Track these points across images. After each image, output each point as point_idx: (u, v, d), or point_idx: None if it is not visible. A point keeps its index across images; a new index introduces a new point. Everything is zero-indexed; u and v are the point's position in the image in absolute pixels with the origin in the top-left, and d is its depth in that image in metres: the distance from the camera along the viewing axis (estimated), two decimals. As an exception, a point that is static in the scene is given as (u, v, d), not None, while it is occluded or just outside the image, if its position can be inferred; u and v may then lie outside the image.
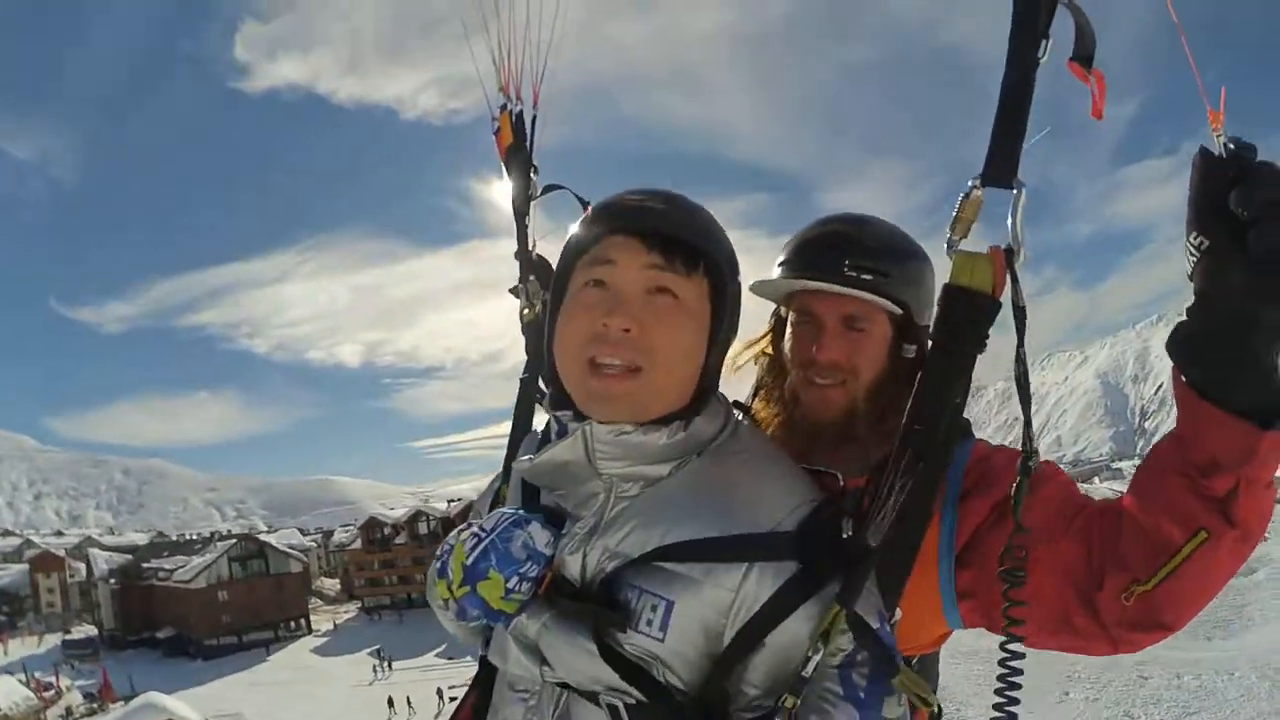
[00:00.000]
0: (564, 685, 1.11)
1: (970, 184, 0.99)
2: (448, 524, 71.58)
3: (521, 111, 1.59)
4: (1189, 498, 1.04)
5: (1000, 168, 0.97)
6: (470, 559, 1.10)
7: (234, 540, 76.07)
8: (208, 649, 64.35)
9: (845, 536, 1.06)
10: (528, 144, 1.59)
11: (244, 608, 68.39)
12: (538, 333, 1.52)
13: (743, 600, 1.03)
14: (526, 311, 1.57)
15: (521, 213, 1.57)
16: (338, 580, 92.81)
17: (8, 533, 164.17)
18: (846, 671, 1.00)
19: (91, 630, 79.66)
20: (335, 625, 73.30)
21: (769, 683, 1.03)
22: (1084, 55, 0.97)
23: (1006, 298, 1.04)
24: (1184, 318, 0.97)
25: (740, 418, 1.25)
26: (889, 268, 1.38)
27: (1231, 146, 0.89)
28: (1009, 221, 0.99)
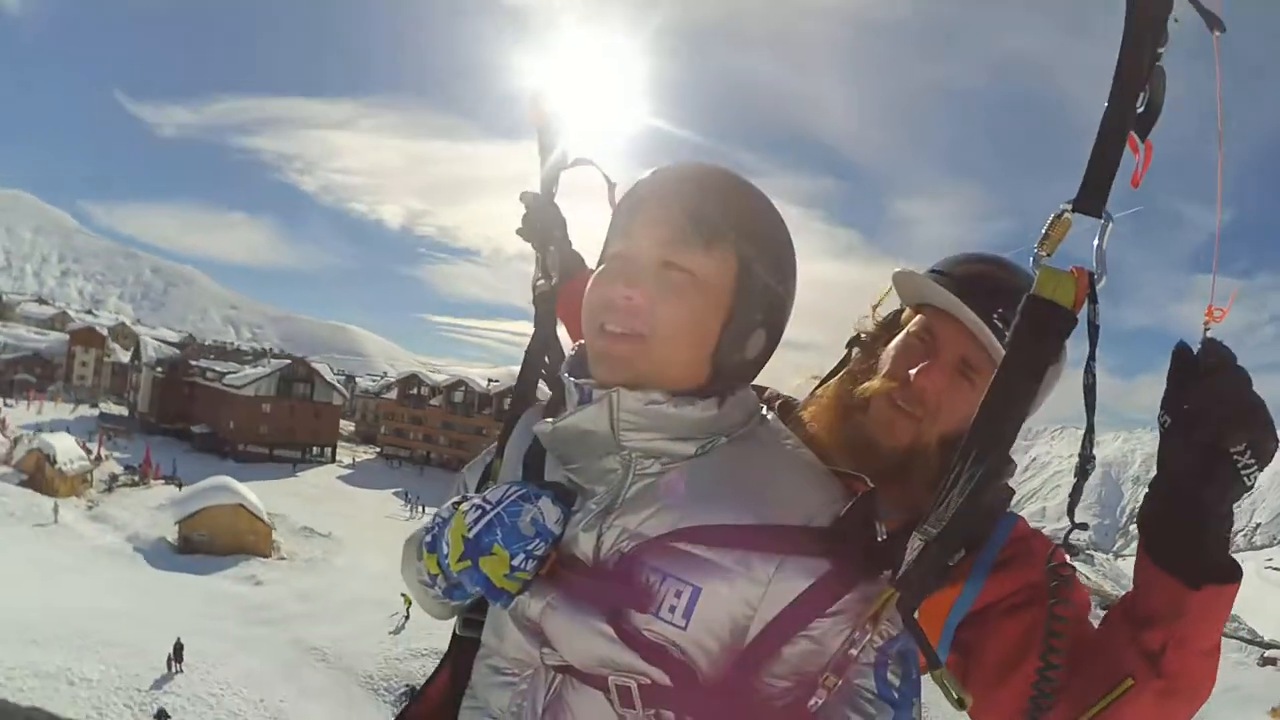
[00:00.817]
0: (561, 669, 1.07)
1: (1062, 207, 1.03)
2: (484, 399, 74.86)
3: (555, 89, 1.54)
4: (1127, 646, 1.14)
5: (1091, 197, 1.00)
6: (473, 532, 1.04)
7: (288, 361, 78.00)
8: (240, 453, 66.62)
9: (881, 539, 1.06)
10: (561, 120, 1.52)
11: (281, 425, 70.60)
12: (550, 304, 1.48)
13: (772, 594, 1.00)
14: (541, 282, 1.50)
15: (549, 183, 1.51)
16: (353, 423, 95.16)
17: (42, 301, 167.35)
18: (881, 669, 0.99)
19: (121, 410, 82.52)
20: (354, 461, 75.74)
21: (794, 676, 1.01)
22: (1144, 125, 1.02)
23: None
24: (1149, 486, 1.11)
25: (767, 413, 1.22)
26: None
27: (1202, 346, 1.05)
28: (1094, 246, 1.03)
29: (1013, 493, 1.37)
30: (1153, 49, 0.99)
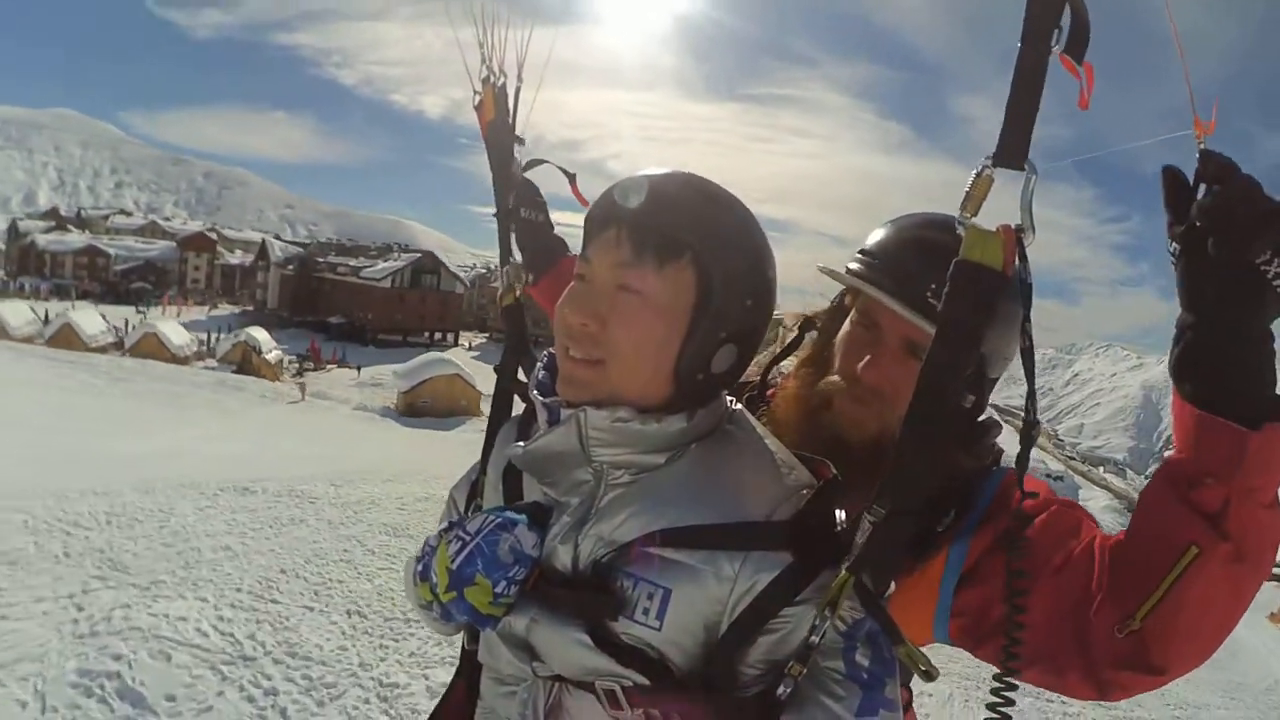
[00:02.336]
0: (553, 678, 1.09)
1: (982, 163, 0.96)
2: None
3: (504, 84, 1.48)
4: (1180, 512, 1.01)
5: (1012, 150, 0.93)
6: (455, 563, 1.06)
7: (419, 254, 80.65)
8: (379, 340, 70.32)
9: (840, 528, 1.04)
10: (511, 118, 1.47)
11: (414, 313, 73.95)
12: (519, 317, 1.48)
13: (740, 589, 1.01)
14: (506, 295, 1.48)
15: (503, 191, 1.47)
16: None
17: (124, 213, 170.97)
18: (850, 651, 0.99)
19: (247, 309, 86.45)
20: (470, 345, 79.23)
21: (766, 664, 1.02)
22: (1076, 49, 0.94)
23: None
24: (1175, 331, 1.00)
25: (737, 407, 1.20)
26: None
27: (1202, 161, 0.95)
28: (1020, 202, 0.96)
29: (1001, 451, 1.37)
30: None
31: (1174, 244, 0.98)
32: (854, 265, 1.38)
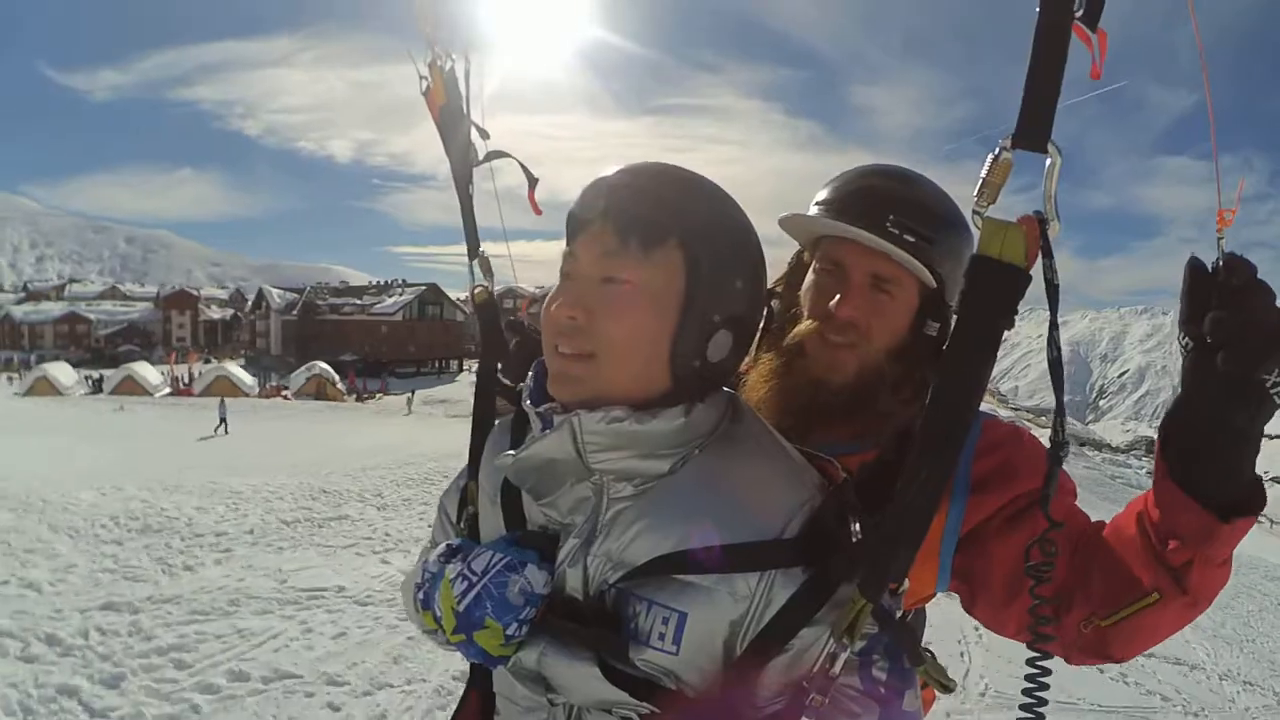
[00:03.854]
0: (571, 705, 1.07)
1: (999, 145, 0.88)
2: None
3: (454, 67, 1.32)
4: (1150, 560, 1.08)
5: (1034, 130, 0.85)
6: (462, 606, 1.01)
7: (423, 287, 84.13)
8: (397, 371, 74.02)
9: (855, 540, 0.98)
10: (464, 102, 1.33)
11: (423, 342, 77.82)
12: (493, 314, 1.39)
13: (755, 610, 0.98)
14: (479, 291, 1.38)
15: (464, 182, 1.34)
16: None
17: (74, 280, 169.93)
18: (866, 666, 0.98)
19: (246, 354, 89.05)
20: (472, 369, 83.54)
21: (783, 684, 0.99)
22: (1090, 16, 0.87)
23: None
24: (1171, 405, 1.00)
25: (738, 401, 1.16)
26: (933, 234, 1.29)
27: (1220, 263, 0.91)
28: (1043, 190, 0.89)
29: None
30: None
31: (1187, 339, 0.93)
32: (811, 211, 1.39)
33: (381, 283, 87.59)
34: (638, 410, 1.01)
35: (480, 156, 1.34)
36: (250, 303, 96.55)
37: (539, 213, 1.34)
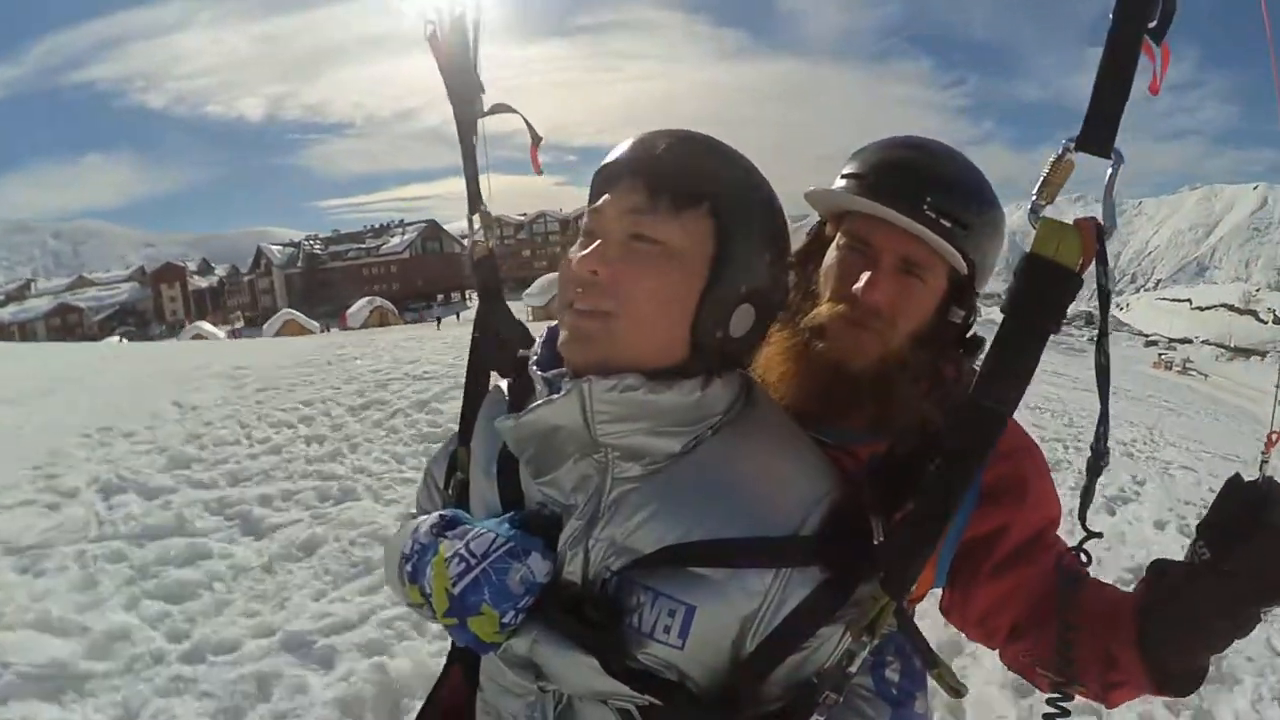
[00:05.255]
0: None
1: (1064, 145, 0.87)
2: (564, 224, 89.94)
3: (463, 14, 1.28)
4: (1089, 663, 1.09)
5: (1099, 134, 0.85)
6: (458, 589, 0.95)
7: (424, 224, 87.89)
8: (410, 306, 78.29)
9: (877, 541, 0.95)
10: (472, 51, 1.29)
11: (429, 277, 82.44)
12: (492, 269, 1.34)
13: (769, 608, 0.95)
14: (479, 244, 1.33)
15: (468, 133, 1.30)
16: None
17: (35, 277, 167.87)
18: (879, 667, 0.97)
19: (249, 315, 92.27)
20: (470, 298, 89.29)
21: (792, 682, 0.97)
22: (1159, 29, 0.86)
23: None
24: (1159, 579, 1.01)
25: (752, 383, 1.11)
26: (971, 219, 1.22)
27: (1261, 486, 0.91)
28: (1104, 195, 0.89)
29: None
30: None
31: (1205, 550, 0.93)
32: (840, 184, 1.29)
33: (378, 226, 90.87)
34: (652, 379, 0.95)
35: (485, 109, 1.30)
36: (250, 263, 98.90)
37: (539, 171, 1.31)
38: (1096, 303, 0.94)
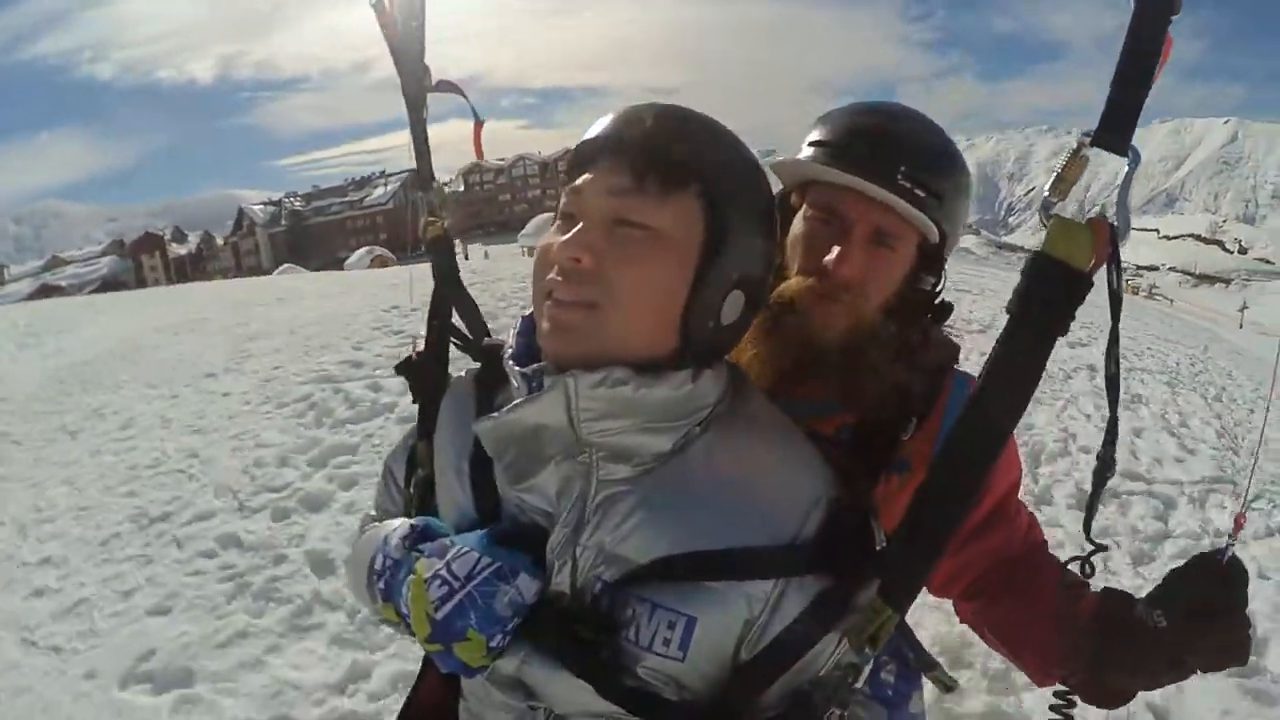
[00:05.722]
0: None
1: (1081, 139, 0.83)
2: (544, 166, 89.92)
3: None
4: (1042, 679, 1.20)
5: (1116, 131, 0.81)
6: (441, 614, 0.89)
7: (405, 173, 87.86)
8: (407, 256, 79.01)
9: (881, 548, 0.93)
10: (419, 24, 1.20)
11: (415, 226, 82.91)
12: (448, 248, 1.25)
13: (768, 618, 0.91)
14: (432, 224, 1.25)
15: (418, 106, 1.23)
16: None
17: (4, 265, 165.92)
18: (875, 671, 0.95)
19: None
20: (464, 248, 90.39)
21: (788, 689, 0.93)
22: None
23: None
24: (1109, 629, 1.00)
25: (739, 373, 1.06)
26: (944, 187, 1.20)
27: (1228, 566, 0.92)
28: (1116, 194, 0.85)
29: (958, 348, 1.30)
30: None
31: (1161, 618, 0.95)
32: (808, 154, 1.26)
33: (358, 179, 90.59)
34: (641, 373, 0.89)
35: (433, 83, 1.23)
36: (232, 225, 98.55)
37: (481, 156, 1.27)
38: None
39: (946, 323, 1.37)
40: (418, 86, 1.21)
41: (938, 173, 1.21)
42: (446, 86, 1.24)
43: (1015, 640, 1.24)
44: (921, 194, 1.18)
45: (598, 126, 0.94)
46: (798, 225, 1.26)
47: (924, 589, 1.16)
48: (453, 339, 1.24)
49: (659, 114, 0.92)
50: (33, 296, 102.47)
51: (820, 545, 0.91)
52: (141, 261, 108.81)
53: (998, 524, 1.25)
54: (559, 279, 0.89)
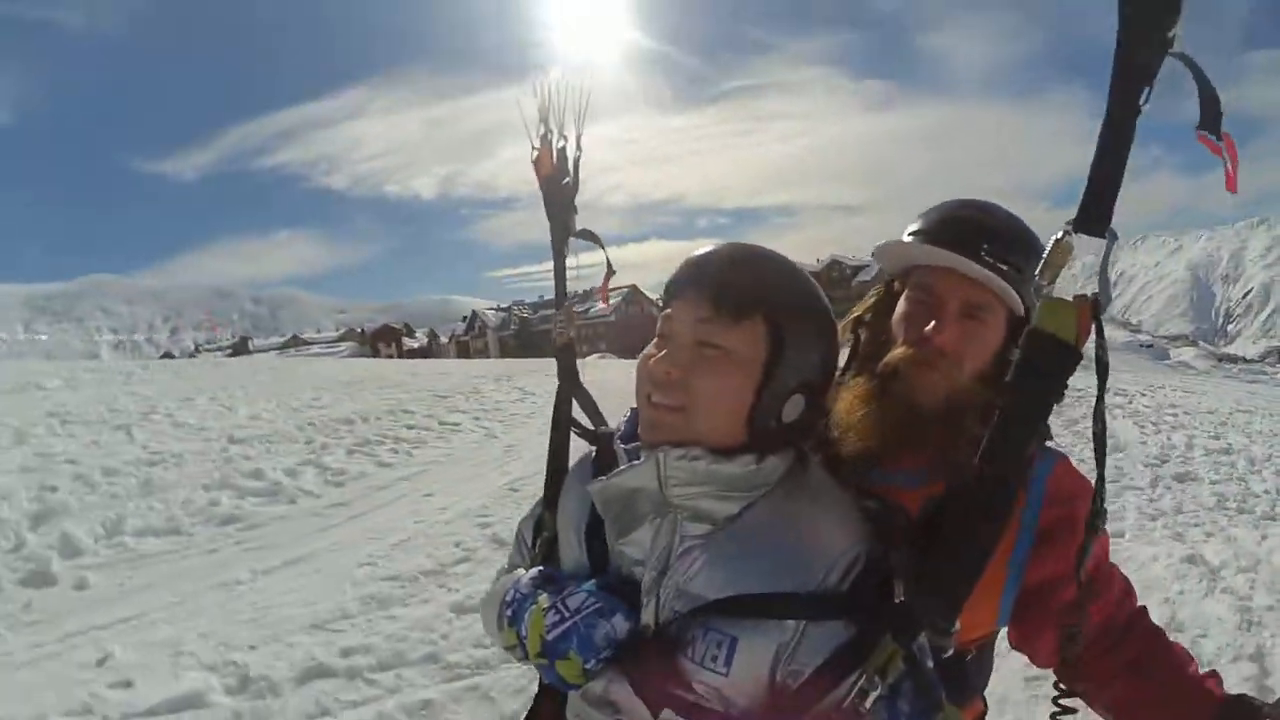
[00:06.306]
0: None
1: (1063, 229, 0.96)
2: None
3: (565, 147, 1.45)
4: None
5: (1095, 217, 0.94)
6: (551, 635, 1.12)
7: (627, 288, 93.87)
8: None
9: (899, 601, 1.06)
10: (570, 179, 1.46)
11: (634, 337, 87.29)
12: (571, 355, 1.53)
13: (795, 650, 1.07)
14: (561, 334, 1.52)
15: (561, 247, 1.48)
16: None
17: (247, 337, 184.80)
18: (892, 700, 1.04)
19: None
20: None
21: (814, 712, 1.06)
22: (1210, 122, 0.92)
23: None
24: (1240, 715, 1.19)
25: (806, 456, 1.22)
26: (1023, 264, 1.30)
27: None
28: (1098, 272, 0.96)
29: (1048, 427, 1.29)
30: (1161, 31, 0.90)
31: None
32: (908, 241, 1.41)
33: (582, 292, 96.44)
34: (715, 453, 1.10)
35: (576, 229, 1.46)
36: (465, 326, 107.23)
37: (606, 302, 1.54)
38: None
39: None
40: (563, 231, 1.47)
41: (1016, 249, 1.32)
42: (587, 235, 1.47)
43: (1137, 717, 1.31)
44: (1004, 267, 1.29)
45: (685, 265, 1.15)
46: (900, 305, 1.40)
47: (1035, 663, 1.40)
48: (575, 429, 1.48)
49: (731, 254, 1.14)
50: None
51: (843, 595, 1.08)
52: (379, 350, 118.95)
53: (1096, 592, 1.30)
54: (655, 386, 1.12)
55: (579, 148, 1.46)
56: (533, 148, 1.46)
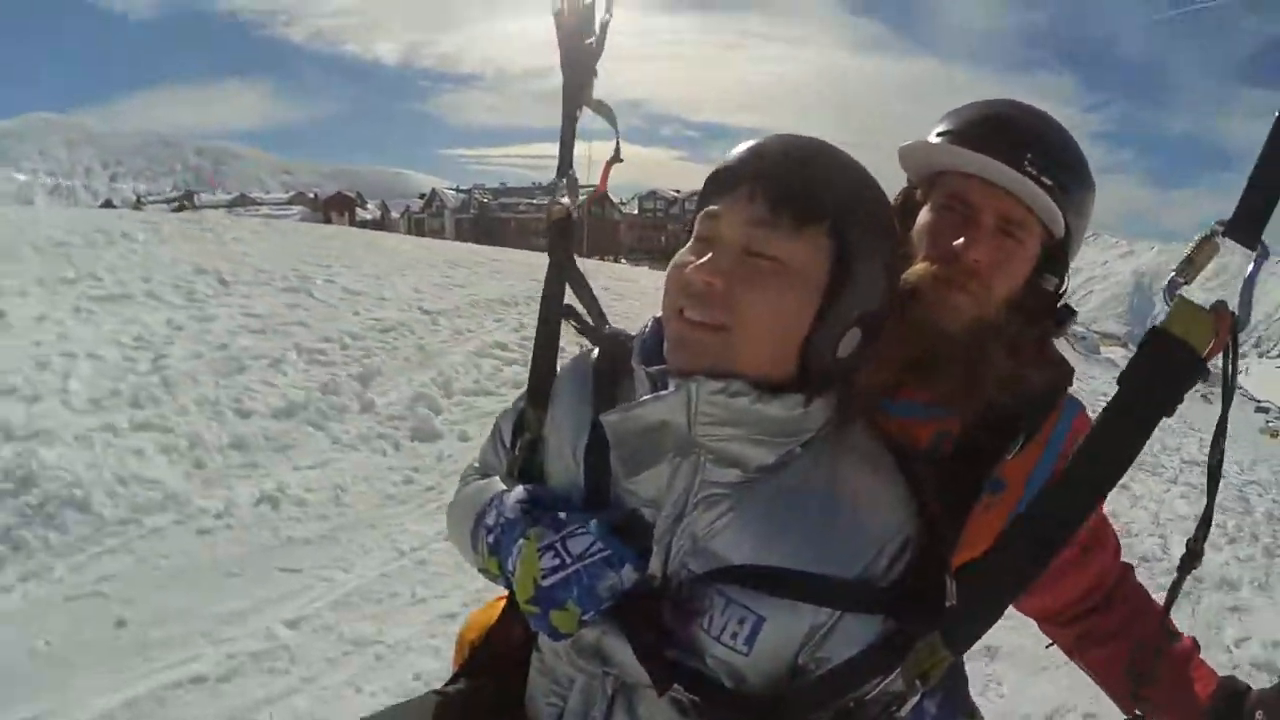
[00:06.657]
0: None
1: (1213, 227, 0.85)
2: (669, 204, 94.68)
3: (592, 4, 1.24)
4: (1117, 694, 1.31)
5: (1248, 224, 0.82)
6: (548, 583, 0.95)
7: (589, 188, 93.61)
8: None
9: (950, 604, 0.93)
10: (596, 41, 1.24)
11: (591, 240, 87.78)
12: (569, 233, 1.26)
13: (826, 637, 0.96)
14: (559, 205, 1.26)
15: (572, 110, 1.26)
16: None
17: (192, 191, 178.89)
18: (920, 698, 0.95)
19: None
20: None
21: (834, 704, 0.96)
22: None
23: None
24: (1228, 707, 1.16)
25: (847, 402, 1.04)
26: (1068, 182, 1.18)
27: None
28: (1241, 285, 0.86)
29: (1072, 371, 1.27)
30: None
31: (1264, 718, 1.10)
32: (939, 142, 1.24)
33: (545, 184, 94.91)
34: (758, 389, 0.93)
35: (592, 97, 1.25)
36: (423, 203, 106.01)
37: (604, 188, 1.35)
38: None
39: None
40: (577, 95, 1.26)
41: (1063, 165, 1.19)
42: (602, 108, 1.27)
43: (1113, 677, 1.32)
44: (1049, 181, 1.15)
45: (737, 154, 0.97)
46: (924, 216, 1.25)
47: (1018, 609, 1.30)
48: (572, 322, 1.26)
49: (799, 147, 0.96)
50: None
51: (886, 585, 0.96)
52: (331, 218, 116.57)
53: (1094, 551, 1.29)
54: (691, 299, 0.93)
55: (609, 10, 1.23)
56: None
